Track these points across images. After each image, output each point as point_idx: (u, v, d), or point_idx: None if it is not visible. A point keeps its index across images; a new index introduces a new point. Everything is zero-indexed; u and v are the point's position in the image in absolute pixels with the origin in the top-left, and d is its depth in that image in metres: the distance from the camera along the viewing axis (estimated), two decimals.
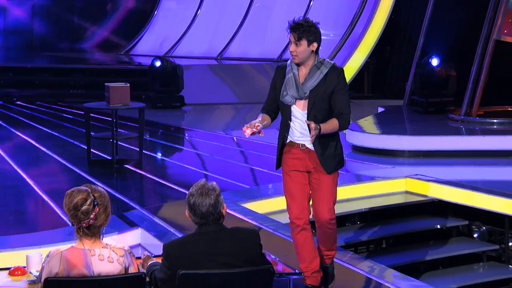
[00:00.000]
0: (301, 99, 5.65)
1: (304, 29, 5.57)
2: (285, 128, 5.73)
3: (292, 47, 5.62)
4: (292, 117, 5.69)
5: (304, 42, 5.58)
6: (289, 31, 5.64)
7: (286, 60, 5.75)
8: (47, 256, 4.19)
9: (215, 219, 4.33)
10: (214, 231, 4.33)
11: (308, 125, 5.39)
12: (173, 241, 4.42)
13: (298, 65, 5.68)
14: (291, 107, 5.68)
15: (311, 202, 5.86)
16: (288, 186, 5.80)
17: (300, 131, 5.69)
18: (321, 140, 5.63)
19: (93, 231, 4.19)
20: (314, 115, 5.61)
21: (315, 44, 5.61)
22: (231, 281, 4.25)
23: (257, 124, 5.45)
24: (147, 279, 4.43)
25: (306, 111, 5.65)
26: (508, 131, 11.70)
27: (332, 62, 5.73)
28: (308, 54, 5.63)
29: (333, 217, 5.84)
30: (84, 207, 4.15)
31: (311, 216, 5.85)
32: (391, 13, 16.44)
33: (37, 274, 4.56)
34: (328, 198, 5.78)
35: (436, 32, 14.35)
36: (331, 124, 5.58)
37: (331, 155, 5.72)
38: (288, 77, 5.67)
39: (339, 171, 5.85)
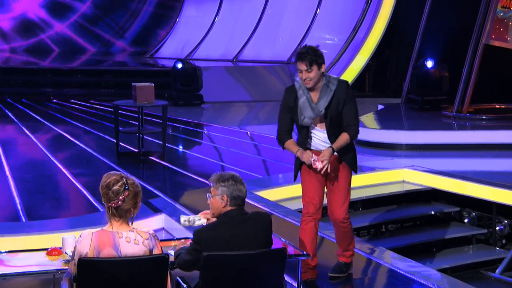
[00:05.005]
0: (317, 117, 5.55)
1: (312, 55, 5.44)
2: (305, 142, 5.62)
3: (304, 75, 5.48)
4: (312, 135, 5.60)
5: (315, 67, 5.45)
6: (297, 60, 5.49)
7: (296, 63, 5.63)
8: (80, 236, 4.19)
9: (241, 204, 4.43)
10: (238, 215, 4.40)
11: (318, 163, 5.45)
12: (204, 227, 4.48)
13: (308, 88, 5.55)
14: (311, 129, 5.59)
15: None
16: (309, 184, 5.66)
17: (322, 143, 5.61)
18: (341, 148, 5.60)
19: (120, 213, 4.19)
20: (333, 132, 5.56)
21: (324, 66, 5.52)
22: (249, 261, 4.25)
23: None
24: (172, 259, 4.43)
25: (325, 129, 5.57)
26: (496, 127, 11.65)
27: (337, 77, 5.62)
28: (319, 77, 5.50)
29: (347, 216, 5.78)
30: (115, 187, 4.16)
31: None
32: (390, 20, 16.37)
33: (71, 254, 4.57)
34: (343, 198, 5.73)
35: (431, 36, 14.29)
36: (343, 139, 5.57)
37: (351, 156, 5.69)
38: (302, 101, 5.54)
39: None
